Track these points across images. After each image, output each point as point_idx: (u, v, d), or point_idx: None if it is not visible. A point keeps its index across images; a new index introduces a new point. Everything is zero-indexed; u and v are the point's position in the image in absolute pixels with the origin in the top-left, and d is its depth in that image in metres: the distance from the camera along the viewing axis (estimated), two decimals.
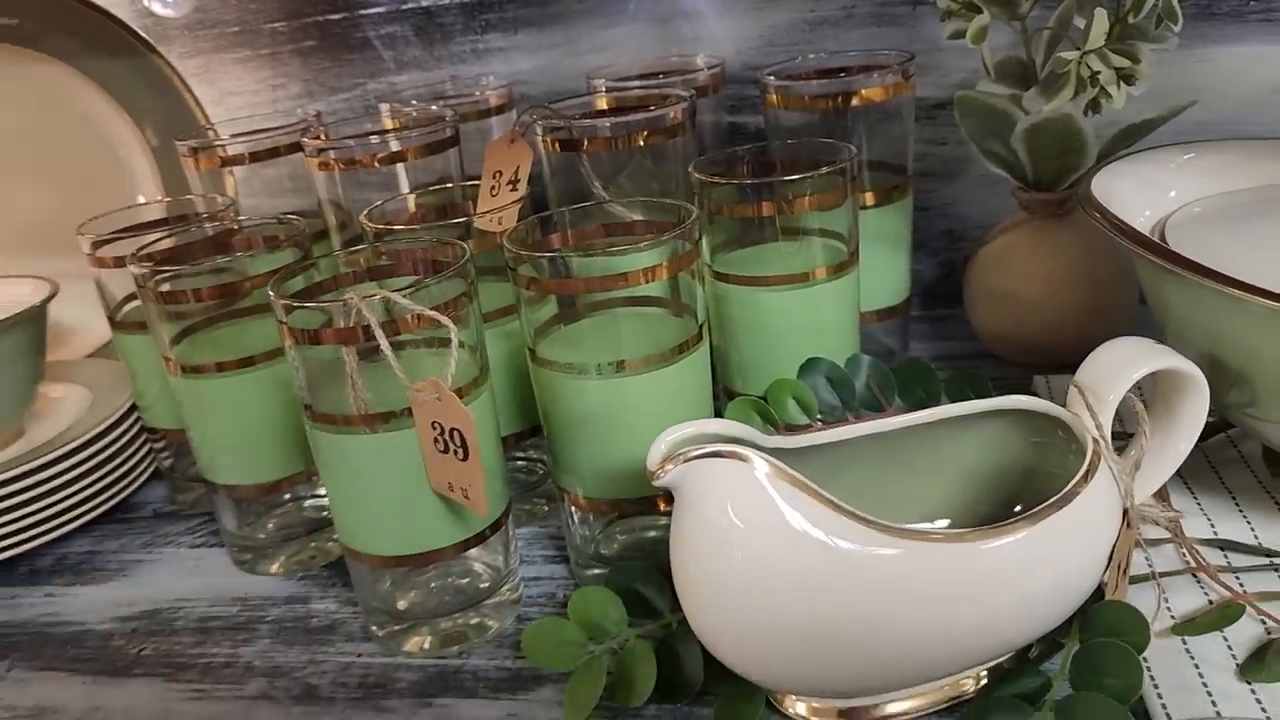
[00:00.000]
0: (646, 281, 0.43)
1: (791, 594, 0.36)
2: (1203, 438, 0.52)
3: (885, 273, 0.62)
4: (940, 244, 0.74)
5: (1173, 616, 0.42)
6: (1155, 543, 0.46)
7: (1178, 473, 0.49)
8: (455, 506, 0.44)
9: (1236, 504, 0.48)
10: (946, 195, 0.73)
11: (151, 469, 0.63)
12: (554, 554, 0.52)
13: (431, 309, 0.41)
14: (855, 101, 0.59)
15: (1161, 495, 0.48)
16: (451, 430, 0.41)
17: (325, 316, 0.42)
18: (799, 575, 0.36)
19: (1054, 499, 0.37)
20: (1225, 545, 0.45)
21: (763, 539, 0.36)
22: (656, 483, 0.37)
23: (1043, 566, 0.37)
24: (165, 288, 0.50)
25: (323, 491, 0.55)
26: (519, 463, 0.57)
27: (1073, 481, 0.38)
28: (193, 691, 0.46)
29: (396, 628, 0.47)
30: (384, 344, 0.41)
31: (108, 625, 0.52)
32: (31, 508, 0.57)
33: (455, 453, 0.41)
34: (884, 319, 0.63)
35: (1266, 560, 0.44)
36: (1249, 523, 0.47)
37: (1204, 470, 0.51)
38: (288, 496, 0.56)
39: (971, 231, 0.72)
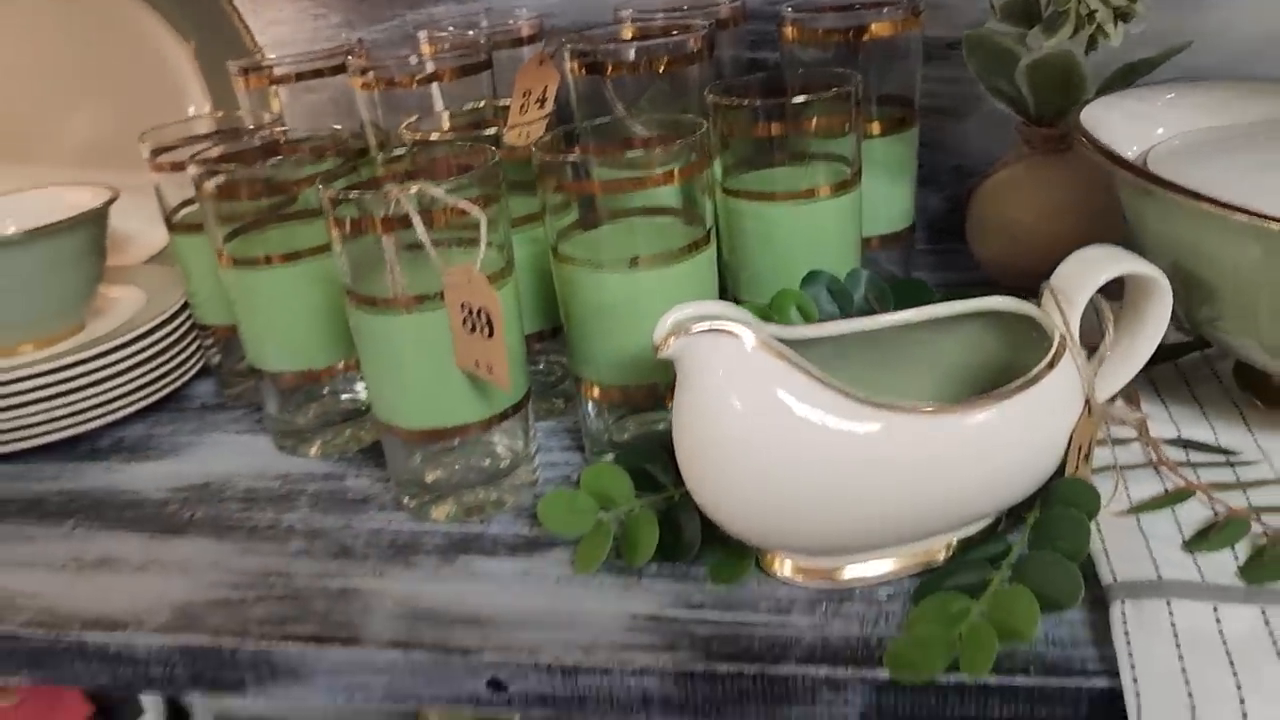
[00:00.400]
0: (659, 185, 0.47)
1: (778, 460, 0.40)
2: (1179, 356, 0.56)
3: (890, 200, 0.65)
4: (949, 178, 0.77)
5: (1131, 502, 0.45)
6: (1123, 441, 0.50)
7: (1152, 385, 0.53)
8: (481, 385, 0.49)
9: (1204, 412, 0.52)
10: (957, 132, 0.76)
11: (201, 364, 0.68)
12: (570, 444, 0.57)
13: None
14: (866, 37, 0.62)
15: (1132, 400, 0.51)
16: (479, 310, 0.45)
17: (368, 209, 0.47)
18: (785, 443, 0.40)
19: (1021, 381, 0.41)
20: (1187, 444, 0.49)
21: (751, 408, 0.40)
22: (660, 356, 0.41)
23: (1008, 442, 0.41)
24: (220, 186, 0.54)
25: (359, 385, 0.60)
26: (540, 365, 0.61)
27: (1039, 367, 0.41)
28: (240, 549, 0.51)
29: (425, 498, 0.52)
30: (420, 230, 0.45)
31: (162, 494, 0.57)
32: (91, 391, 0.62)
33: (481, 331, 0.46)
34: (888, 245, 0.67)
35: (1224, 458, 0.48)
36: (1213, 428, 0.50)
37: (1177, 383, 0.54)
38: (326, 389, 0.60)
39: (980, 167, 0.75)
